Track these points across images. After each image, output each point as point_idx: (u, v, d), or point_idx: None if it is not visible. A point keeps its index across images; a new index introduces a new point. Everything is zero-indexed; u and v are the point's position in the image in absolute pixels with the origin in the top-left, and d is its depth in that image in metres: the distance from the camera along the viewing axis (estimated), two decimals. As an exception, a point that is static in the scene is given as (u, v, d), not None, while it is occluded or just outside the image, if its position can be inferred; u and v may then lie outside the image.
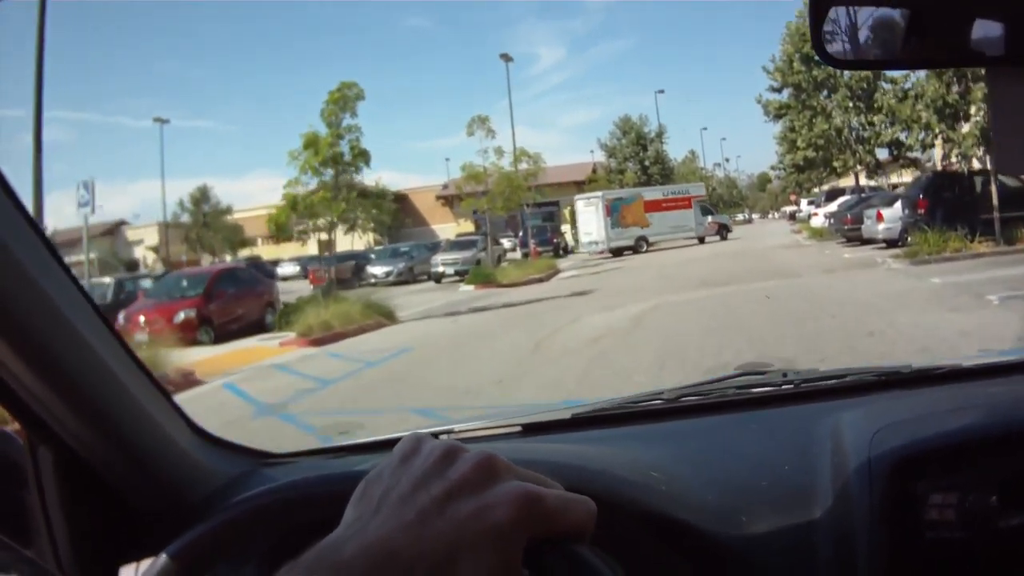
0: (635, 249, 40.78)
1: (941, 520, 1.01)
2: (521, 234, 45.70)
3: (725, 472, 1.23)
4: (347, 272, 36.83)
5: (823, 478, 1.14)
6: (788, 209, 68.37)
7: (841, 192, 39.37)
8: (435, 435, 1.29)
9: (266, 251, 62.31)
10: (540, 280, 28.81)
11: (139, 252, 67.15)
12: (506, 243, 43.25)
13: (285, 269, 42.80)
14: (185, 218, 63.33)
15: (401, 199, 65.65)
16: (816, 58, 0.96)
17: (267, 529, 0.99)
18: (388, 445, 1.43)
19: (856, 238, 25.43)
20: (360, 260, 38.05)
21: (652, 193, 44.70)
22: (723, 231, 45.11)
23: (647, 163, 64.36)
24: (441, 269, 32.87)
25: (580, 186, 52.03)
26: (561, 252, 45.27)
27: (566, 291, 21.87)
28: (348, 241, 57.52)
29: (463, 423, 1.59)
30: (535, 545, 0.53)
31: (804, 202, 51.64)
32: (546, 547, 0.54)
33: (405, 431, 1.33)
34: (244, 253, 59.58)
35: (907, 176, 53.87)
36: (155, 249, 70.73)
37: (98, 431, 1.11)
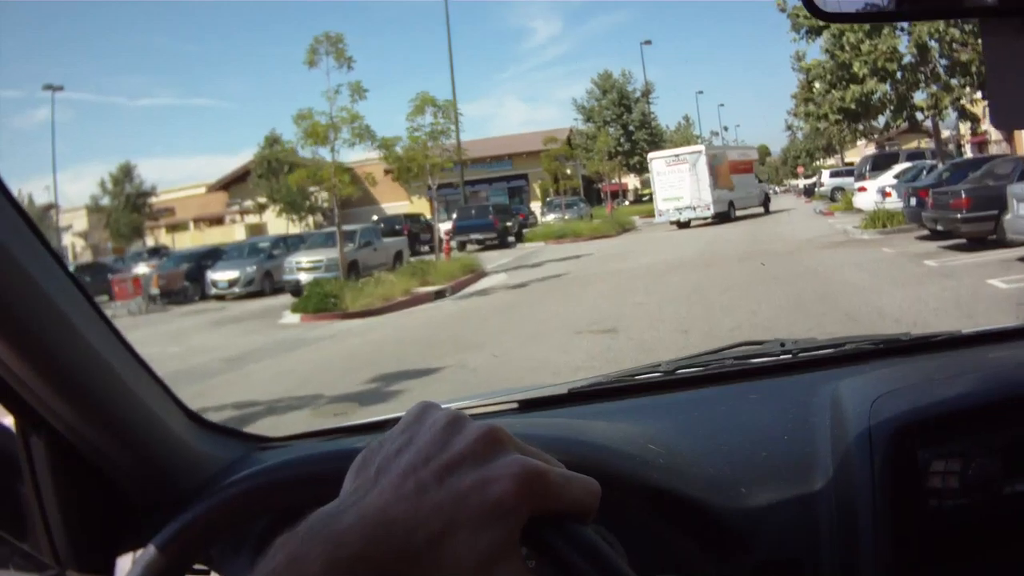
0: (725, 217, 31.71)
1: (943, 488, 0.98)
2: (454, 218, 33.32)
3: (724, 443, 1.18)
4: (177, 280, 24.23)
5: (823, 447, 1.11)
6: (799, 183, 55.60)
7: (891, 158, 26.67)
8: None
9: (198, 237, 54.10)
10: (413, 302, 16.62)
11: (67, 239, 57.54)
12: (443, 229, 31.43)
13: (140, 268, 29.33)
14: (106, 201, 52.57)
15: (348, 173, 55.31)
16: None
17: (261, 511, 0.93)
18: (383, 426, 1.37)
19: (969, 234, 13.03)
20: (203, 261, 25.58)
21: (732, 152, 36.67)
22: (767, 202, 36.92)
23: (631, 127, 51.66)
24: (298, 276, 20.40)
25: (537, 156, 39.63)
26: (511, 240, 32.79)
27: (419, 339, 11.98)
28: (283, 224, 45.59)
29: (459, 401, 1.52)
30: (534, 522, 0.51)
31: (826, 173, 39.04)
32: (545, 525, 0.52)
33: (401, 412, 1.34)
34: (184, 239, 52.72)
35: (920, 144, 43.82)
36: (84, 236, 60.37)
37: (91, 419, 1.06)
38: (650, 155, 36.80)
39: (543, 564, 0.53)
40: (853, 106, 22.84)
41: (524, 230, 35.62)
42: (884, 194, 21.15)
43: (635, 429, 1.22)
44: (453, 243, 33.22)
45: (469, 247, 32.78)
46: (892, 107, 23.05)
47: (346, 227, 23.80)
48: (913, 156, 27.45)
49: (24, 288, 0.93)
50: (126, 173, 55.66)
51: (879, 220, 18.85)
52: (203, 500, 0.91)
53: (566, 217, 36.08)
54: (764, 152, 77.19)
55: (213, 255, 26.43)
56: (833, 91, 23.32)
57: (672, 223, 31.62)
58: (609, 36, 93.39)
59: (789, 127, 53.88)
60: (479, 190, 53.68)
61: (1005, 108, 0.86)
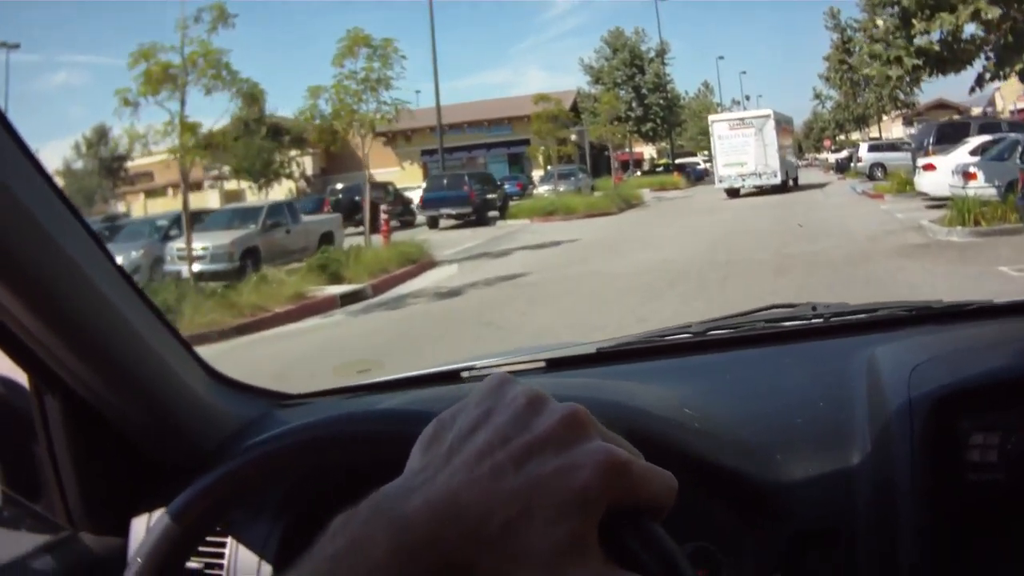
0: (784, 186, 30.01)
1: (982, 461, 0.96)
2: (423, 188, 27.81)
3: (759, 409, 1.16)
4: None
5: (860, 415, 1.08)
6: (827, 156, 49.37)
7: (961, 129, 20.69)
8: (456, 373, 1.40)
9: (173, 204, 47.56)
10: (300, 313, 11.56)
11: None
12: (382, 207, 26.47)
13: None
14: (79, 165, 48.26)
15: (331, 136, 49.34)
16: None
17: (284, 474, 0.91)
18: (407, 384, 1.43)
19: None
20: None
21: (785, 119, 34.45)
22: (796, 177, 33.48)
23: (644, 90, 45.51)
24: (179, 268, 14.82)
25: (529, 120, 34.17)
26: (492, 216, 27.18)
27: None
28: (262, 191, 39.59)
29: (485, 359, 1.48)
30: (610, 517, 0.47)
31: (863, 147, 33.02)
32: (622, 520, 0.48)
33: (423, 369, 1.49)
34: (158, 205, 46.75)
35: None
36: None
37: (107, 376, 1.03)
38: (711, 117, 34.97)
39: (612, 558, 0.48)
40: (936, 47, 16.76)
41: (514, 203, 30.00)
42: (967, 176, 15.33)
43: (667, 391, 1.19)
44: (422, 218, 27.92)
45: (443, 224, 27.42)
46: (998, 49, 16.98)
47: (249, 203, 18.13)
48: (986, 127, 21.43)
49: (37, 241, 0.89)
50: (100, 136, 51.07)
51: (969, 212, 13.00)
52: (224, 462, 0.85)
53: (560, 189, 30.37)
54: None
55: (113, 231, 20.90)
56: (914, 22, 17.18)
57: (730, 192, 29.77)
58: (631, 6, 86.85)
59: (818, 95, 47.80)
60: (476, 156, 48.24)
61: None
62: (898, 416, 1.00)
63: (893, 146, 33.44)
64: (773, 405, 1.17)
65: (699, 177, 48.07)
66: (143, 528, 1.09)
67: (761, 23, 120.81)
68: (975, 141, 17.43)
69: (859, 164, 32.68)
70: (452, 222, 27.41)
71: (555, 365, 1.42)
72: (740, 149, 30.06)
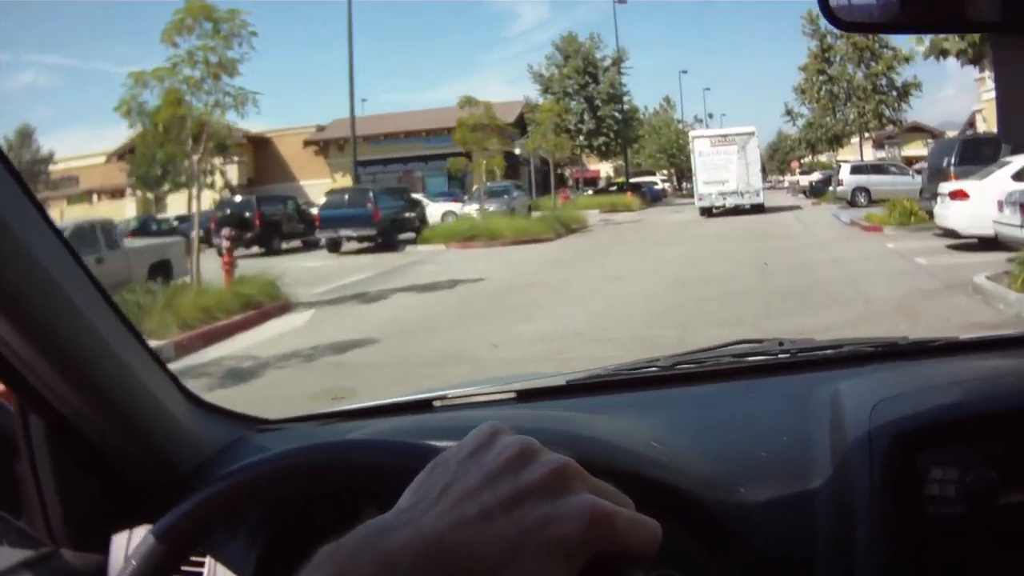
0: (761, 207, 28.83)
1: (941, 495, 0.97)
2: (320, 206, 22.67)
3: (723, 442, 1.16)
4: None
5: (822, 449, 1.08)
6: (796, 179, 44.70)
7: (990, 146, 15.71)
8: (429, 402, 1.38)
9: (104, 209, 43.03)
10: None
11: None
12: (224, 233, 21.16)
13: None
14: None
15: (260, 144, 47.66)
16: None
17: (261, 500, 0.94)
18: (382, 411, 1.43)
19: None
20: None
21: None
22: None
23: (597, 101, 40.54)
24: None
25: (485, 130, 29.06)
26: (400, 241, 22.00)
27: None
28: (182, 202, 34.04)
29: (456, 389, 1.45)
30: (594, 564, 0.49)
31: (845, 168, 28.37)
32: (606, 569, 0.49)
33: (397, 396, 1.48)
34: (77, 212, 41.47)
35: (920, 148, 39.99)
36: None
37: (90, 397, 1.03)
38: (692, 133, 34.25)
39: None
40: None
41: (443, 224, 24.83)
42: (1016, 207, 10.48)
43: (636, 424, 1.20)
44: (322, 239, 22.64)
45: (347, 247, 22.31)
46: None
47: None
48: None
49: (22, 262, 0.90)
50: (23, 138, 45.59)
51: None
52: (201, 485, 0.87)
53: (490, 209, 25.24)
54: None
55: None
56: None
57: (704, 211, 28.62)
58: (600, 22, 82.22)
59: (789, 112, 43.13)
60: (413, 169, 43.13)
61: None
62: (859, 450, 1.01)
63: (879, 168, 28.76)
64: (738, 438, 1.16)
65: (656, 198, 43.19)
66: (123, 545, 1.09)
67: (726, 38, 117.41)
68: (1020, 161, 12.56)
69: (839, 188, 27.91)
70: (359, 245, 22.34)
71: (525, 397, 1.41)
72: (722, 167, 28.80)
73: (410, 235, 22.93)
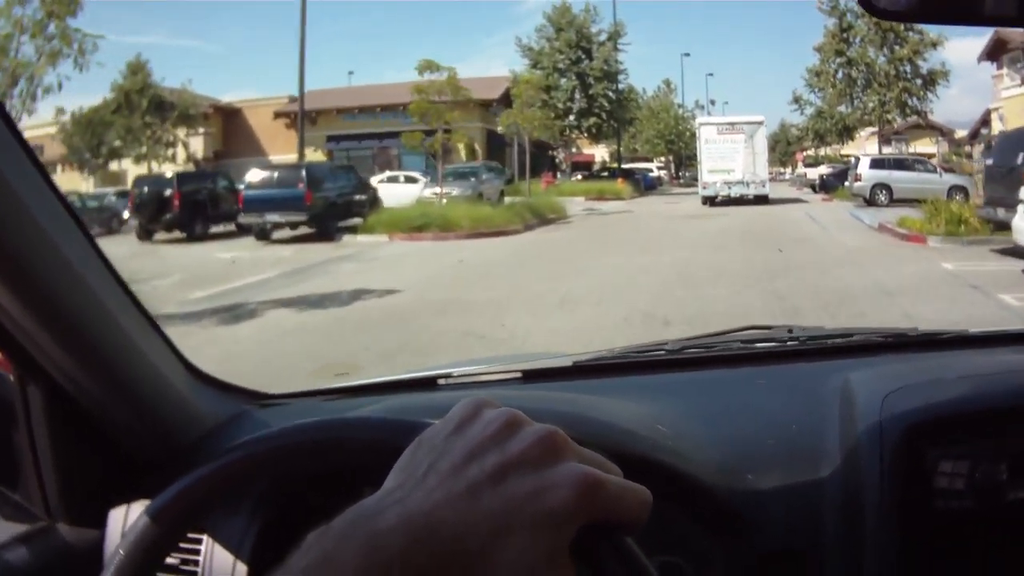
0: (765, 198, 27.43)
1: (950, 488, 0.96)
2: (244, 186, 18.80)
3: (732, 428, 1.14)
4: None
5: (831, 438, 1.07)
6: (807, 171, 40.76)
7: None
8: (433, 379, 1.36)
9: (64, 180, 38.52)
10: None
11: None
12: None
13: None
14: None
15: (230, 115, 44.61)
16: None
17: (262, 477, 0.90)
18: (384, 388, 1.41)
19: None
20: None
21: None
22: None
23: (589, 78, 36.54)
24: None
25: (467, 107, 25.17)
26: (339, 228, 18.19)
27: None
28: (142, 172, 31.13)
29: (461, 367, 1.45)
30: (584, 531, 0.48)
31: (864, 162, 24.46)
32: (596, 536, 0.48)
33: (402, 374, 1.47)
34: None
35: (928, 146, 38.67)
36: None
37: (91, 370, 1.02)
38: (699, 120, 33.01)
39: (586, 572, 0.49)
40: None
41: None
42: None
43: (642, 408, 1.18)
44: (231, 225, 18.81)
45: (278, 235, 18.66)
46: None
47: None
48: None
49: (25, 228, 0.88)
50: None
51: None
52: (201, 459, 0.85)
53: (454, 193, 21.41)
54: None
55: None
56: None
57: (706, 200, 27.32)
58: (603, 5, 78.11)
59: (797, 99, 39.11)
60: (389, 146, 39.17)
61: None
62: (869, 442, 1.00)
63: (902, 163, 24.87)
64: (746, 425, 1.14)
65: (650, 186, 39.24)
66: (120, 520, 1.08)
67: (731, 23, 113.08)
68: None
69: (856, 184, 24.01)
70: (292, 232, 18.56)
71: (531, 377, 1.39)
72: (728, 156, 27.75)
73: (358, 221, 19.10)
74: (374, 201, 20.95)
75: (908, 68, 32.38)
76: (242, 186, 19.45)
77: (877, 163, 24.40)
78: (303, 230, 18.59)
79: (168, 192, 19.93)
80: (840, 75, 33.79)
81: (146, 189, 20.26)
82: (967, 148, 45.48)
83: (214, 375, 1.26)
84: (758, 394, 1.25)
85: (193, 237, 19.38)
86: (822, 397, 1.16)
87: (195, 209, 20.20)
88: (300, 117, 23.71)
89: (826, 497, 1.00)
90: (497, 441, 0.49)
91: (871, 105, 33.17)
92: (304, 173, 18.37)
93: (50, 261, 0.91)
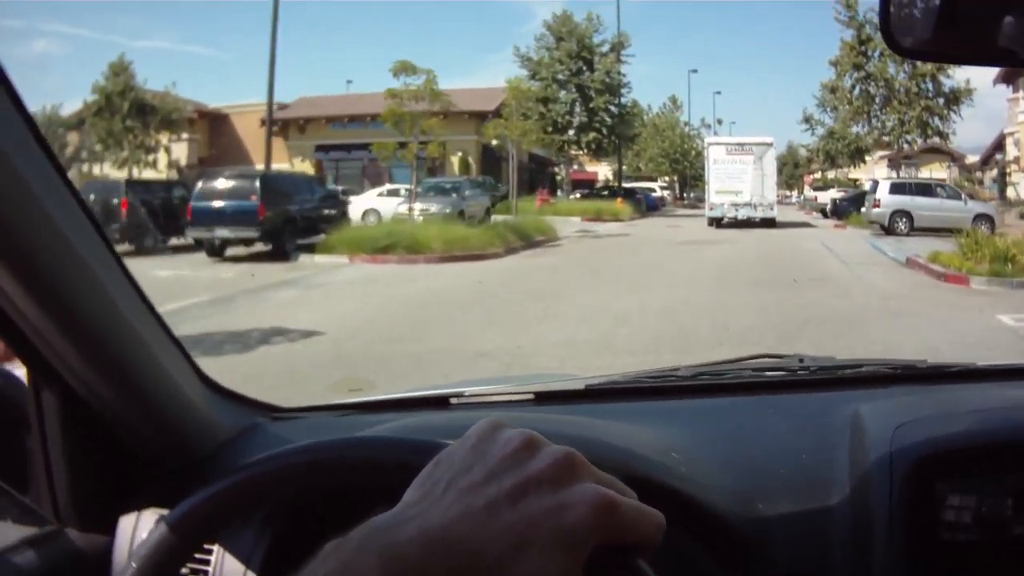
0: (772, 222, 26.56)
1: (957, 522, 0.96)
2: (192, 197, 16.66)
3: (743, 456, 1.14)
4: None
5: (841, 469, 1.07)
6: (817, 195, 38.49)
7: None
8: (445, 398, 1.35)
9: None
10: None
11: None
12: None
13: None
14: None
15: (216, 120, 42.39)
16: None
17: (274, 494, 0.89)
18: (397, 405, 1.42)
19: None
20: None
21: None
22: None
23: (590, 91, 34.47)
24: None
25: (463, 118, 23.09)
26: (297, 246, 16.04)
27: None
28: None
29: (474, 387, 1.41)
30: (598, 552, 0.48)
31: (884, 187, 22.30)
32: (610, 556, 0.49)
33: (418, 390, 1.49)
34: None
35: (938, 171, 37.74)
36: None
37: (106, 376, 1.01)
38: (708, 139, 32.63)
39: None
40: None
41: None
42: None
43: (655, 433, 1.17)
44: (189, 238, 16.63)
45: (231, 252, 16.60)
46: None
47: None
48: None
49: (43, 232, 0.86)
50: None
51: None
52: (214, 471, 0.86)
53: (431, 210, 19.26)
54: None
55: None
56: None
57: (712, 221, 27.07)
58: (607, 14, 76.13)
59: (807, 119, 36.94)
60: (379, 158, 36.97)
61: None
62: (879, 473, 1.00)
63: (925, 189, 22.65)
64: (757, 454, 1.14)
65: (652, 206, 37.03)
66: (130, 527, 1.08)
67: (740, 40, 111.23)
68: None
69: (875, 210, 21.79)
70: (247, 249, 16.44)
71: (543, 399, 1.37)
72: (736, 177, 27.33)
73: (318, 238, 16.93)
74: (344, 216, 18.81)
75: (930, 86, 30.16)
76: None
77: (898, 188, 22.22)
78: (260, 246, 16.49)
79: (115, 200, 17.82)
80: (857, 91, 31.54)
81: (92, 196, 18.08)
82: (978, 174, 43.38)
83: (232, 389, 1.25)
84: (769, 422, 1.24)
85: (142, 251, 17.24)
86: (833, 427, 1.15)
87: (144, 220, 18.05)
88: (268, 124, 21.71)
89: (835, 526, 1.00)
90: (516, 460, 0.49)
91: (889, 124, 30.92)
92: (258, 184, 16.18)
93: (68, 265, 0.89)
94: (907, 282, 11.61)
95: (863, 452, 1.05)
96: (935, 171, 40.16)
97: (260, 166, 36.80)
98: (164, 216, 18.07)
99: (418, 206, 19.45)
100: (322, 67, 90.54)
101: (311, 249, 16.20)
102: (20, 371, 1.07)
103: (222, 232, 16.00)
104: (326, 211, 18.25)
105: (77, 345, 0.94)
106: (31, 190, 0.82)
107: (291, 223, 16.72)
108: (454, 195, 21.60)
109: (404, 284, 12.25)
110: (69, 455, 1.05)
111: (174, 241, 18.20)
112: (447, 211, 19.73)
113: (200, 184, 17.27)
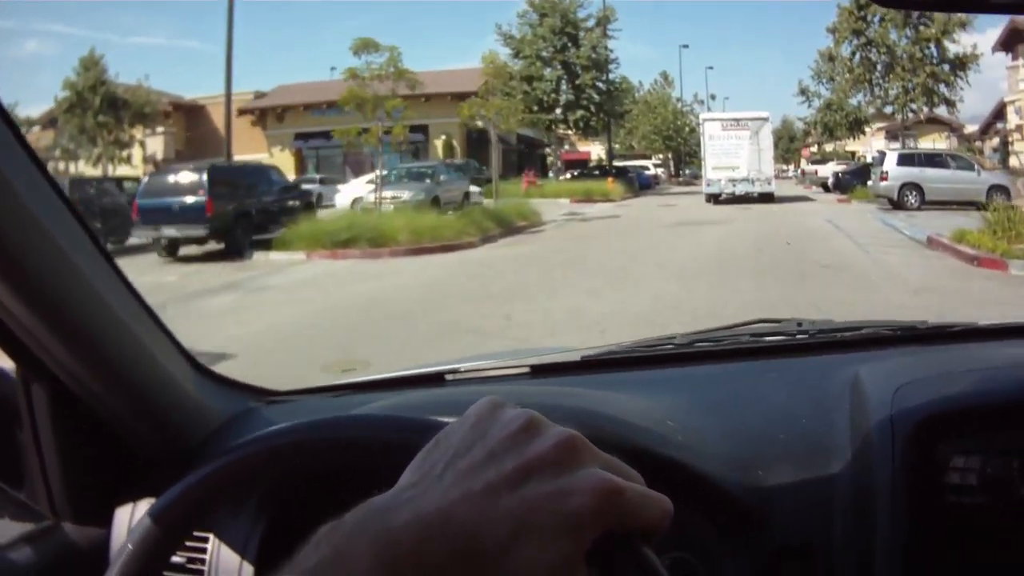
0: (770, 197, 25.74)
1: (962, 484, 0.94)
2: (138, 193, 15.12)
3: (741, 422, 1.12)
4: None
5: (842, 433, 1.06)
6: (817, 169, 36.71)
7: None
8: (441, 375, 1.33)
9: None
10: None
11: None
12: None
13: None
14: None
15: (192, 112, 40.83)
16: None
17: (269, 476, 0.90)
18: (391, 384, 1.38)
19: None
20: None
21: None
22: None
23: (576, 67, 32.75)
24: None
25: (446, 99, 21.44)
26: (253, 243, 14.38)
27: None
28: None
29: (470, 362, 1.39)
30: (602, 539, 0.46)
31: (891, 158, 20.68)
32: (614, 544, 0.47)
33: (411, 368, 1.44)
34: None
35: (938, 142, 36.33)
36: None
37: (95, 368, 1.00)
38: (702, 115, 32.15)
39: None
40: None
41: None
42: None
43: (651, 403, 1.16)
44: (137, 239, 15.01)
45: (185, 251, 14.90)
46: None
47: None
48: None
49: (27, 227, 0.86)
50: None
51: None
52: (208, 457, 0.84)
53: (403, 197, 17.67)
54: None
55: None
56: None
57: (710, 198, 26.38)
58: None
59: (803, 90, 35.22)
60: (363, 144, 35.26)
61: None
62: (880, 436, 0.98)
63: (935, 159, 20.97)
64: (756, 420, 1.13)
65: (645, 185, 35.39)
66: (126, 519, 1.06)
67: (731, 14, 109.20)
68: None
69: (882, 183, 20.15)
70: (202, 248, 14.84)
71: (539, 372, 1.36)
72: (732, 152, 26.70)
73: (277, 234, 15.30)
74: (308, 208, 17.19)
75: (935, 51, 28.42)
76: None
77: (906, 159, 20.50)
78: (215, 244, 14.91)
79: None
80: (857, 58, 29.77)
81: None
82: (978, 144, 41.71)
83: (223, 374, 1.24)
84: (768, 388, 1.23)
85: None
86: (832, 391, 1.14)
87: (91, 220, 16.44)
88: (227, 112, 20.08)
89: (837, 492, 0.98)
90: (516, 442, 0.47)
91: (892, 93, 29.18)
92: (205, 177, 14.50)
93: (53, 260, 0.89)
94: (935, 268, 9.98)
95: (864, 415, 1.03)
96: (934, 142, 38.58)
97: (238, 157, 35.37)
98: (117, 216, 16.35)
99: (388, 193, 17.83)
100: (304, 54, 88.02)
101: (268, 246, 14.62)
102: (8, 365, 1.02)
103: (169, 231, 14.37)
104: (289, 203, 16.63)
105: (65, 338, 0.93)
106: (13, 186, 0.81)
107: (245, 218, 15.07)
108: (428, 180, 19.88)
109: (357, 283, 10.71)
110: (62, 449, 1.03)
111: (133, 241, 16.60)
112: (420, 198, 18.09)
113: (146, 179, 15.66)
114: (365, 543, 0.43)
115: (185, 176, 14.96)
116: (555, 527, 0.44)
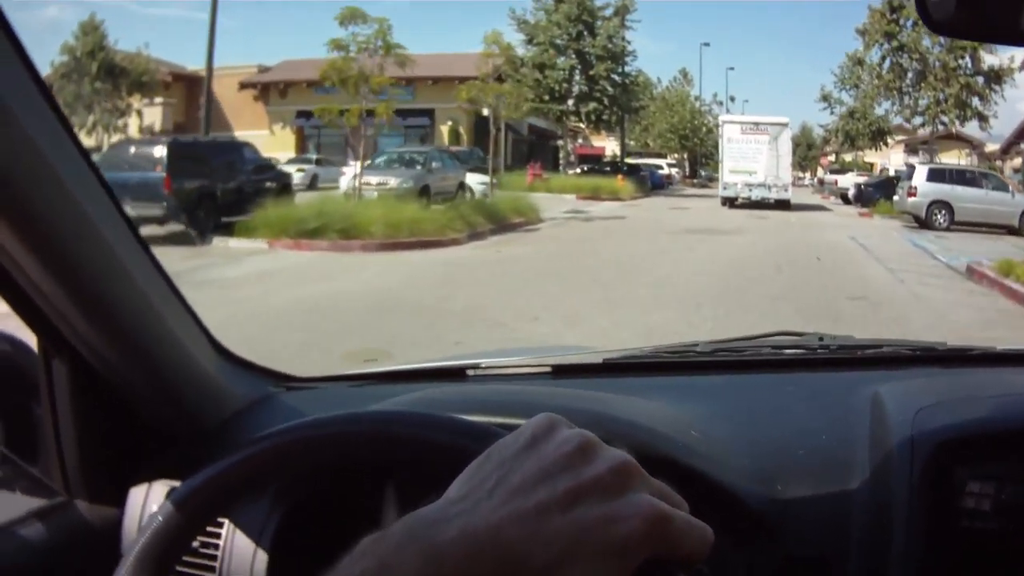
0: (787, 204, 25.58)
1: (977, 509, 0.95)
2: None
3: (763, 435, 1.12)
4: None
5: (861, 450, 1.05)
6: (837, 179, 34.91)
7: None
8: (462, 370, 1.32)
9: None
10: None
11: None
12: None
13: None
14: None
15: (194, 84, 36.24)
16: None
17: (288, 469, 0.87)
18: (411, 376, 1.38)
19: None
20: None
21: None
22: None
23: (591, 58, 31.10)
24: None
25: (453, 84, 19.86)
26: (215, 227, 12.89)
27: None
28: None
29: (490, 358, 1.38)
30: (646, 564, 0.47)
31: (920, 173, 19.13)
32: (658, 570, 0.48)
33: (432, 361, 1.45)
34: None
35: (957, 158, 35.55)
36: None
37: (117, 343, 0.99)
38: (722, 117, 31.47)
39: None
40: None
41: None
42: None
43: (673, 410, 1.16)
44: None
45: (146, 232, 13.01)
46: None
47: None
48: None
49: (57, 197, 0.83)
50: None
51: None
52: (227, 445, 0.82)
53: (389, 184, 16.19)
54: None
55: None
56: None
57: (726, 201, 26.16)
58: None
59: (825, 96, 33.50)
60: (368, 126, 33.66)
61: None
62: (900, 456, 0.98)
63: (967, 177, 19.41)
64: (776, 433, 1.13)
65: (657, 185, 33.77)
66: (140, 499, 1.05)
67: (754, 14, 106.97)
68: None
69: (910, 200, 18.51)
70: (160, 229, 13.32)
71: (561, 372, 1.35)
72: (751, 156, 26.60)
73: (237, 217, 13.80)
74: (284, 189, 15.70)
75: (969, 62, 26.67)
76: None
77: (936, 175, 18.91)
78: (177, 225, 13.43)
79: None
80: (887, 64, 28.03)
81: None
82: (998, 163, 39.99)
83: (246, 357, 1.22)
84: (788, 401, 1.22)
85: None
86: (852, 408, 1.13)
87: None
88: (207, 82, 18.53)
89: (854, 509, 0.98)
90: (571, 463, 0.47)
91: (923, 103, 27.44)
92: (164, 151, 13.03)
93: (79, 232, 0.86)
94: (982, 308, 8.37)
95: (884, 434, 1.03)
96: (954, 158, 36.93)
97: (239, 132, 33.85)
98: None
99: (374, 179, 16.39)
100: (314, 30, 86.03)
101: (230, 230, 13.14)
102: (30, 339, 1.02)
103: (124, 209, 12.93)
104: (262, 184, 15.13)
105: (87, 312, 0.92)
106: (39, 149, 0.79)
107: (209, 199, 13.61)
108: (418, 168, 18.37)
109: (305, 284, 9.22)
110: (78, 425, 1.02)
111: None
112: (407, 186, 16.59)
113: (105, 151, 14.20)
114: (411, 557, 0.42)
115: (144, 150, 13.52)
116: (603, 551, 0.44)
